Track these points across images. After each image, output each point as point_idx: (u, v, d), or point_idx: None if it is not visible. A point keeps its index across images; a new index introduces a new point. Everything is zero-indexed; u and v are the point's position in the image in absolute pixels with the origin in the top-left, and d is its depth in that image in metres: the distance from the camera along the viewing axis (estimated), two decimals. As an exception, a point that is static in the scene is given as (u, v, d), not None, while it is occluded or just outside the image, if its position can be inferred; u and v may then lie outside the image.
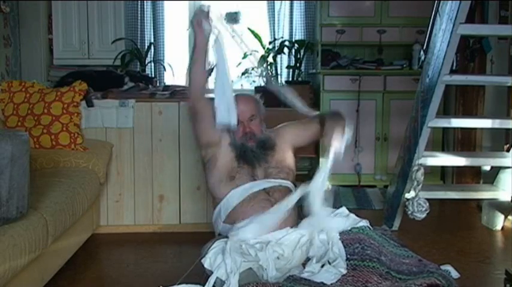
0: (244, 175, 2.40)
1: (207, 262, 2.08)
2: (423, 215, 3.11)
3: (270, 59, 5.10)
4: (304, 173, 4.58)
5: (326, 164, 2.28)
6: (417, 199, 3.11)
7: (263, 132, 2.49)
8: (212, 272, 2.02)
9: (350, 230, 2.23)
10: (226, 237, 2.23)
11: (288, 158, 2.55)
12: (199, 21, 2.26)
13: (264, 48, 5.09)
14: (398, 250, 2.11)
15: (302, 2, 5.17)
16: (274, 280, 1.90)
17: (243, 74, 5.37)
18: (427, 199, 3.12)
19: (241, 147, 2.42)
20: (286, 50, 5.07)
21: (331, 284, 1.83)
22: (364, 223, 2.26)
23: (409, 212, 3.13)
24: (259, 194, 2.36)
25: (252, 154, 2.40)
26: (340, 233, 2.20)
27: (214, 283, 1.96)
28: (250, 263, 1.94)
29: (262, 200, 2.34)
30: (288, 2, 5.20)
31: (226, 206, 2.39)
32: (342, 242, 2.15)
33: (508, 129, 3.82)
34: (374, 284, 1.83)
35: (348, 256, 2.05)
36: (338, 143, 2.30)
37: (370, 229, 2.24)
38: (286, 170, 2.49)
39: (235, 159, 2.43)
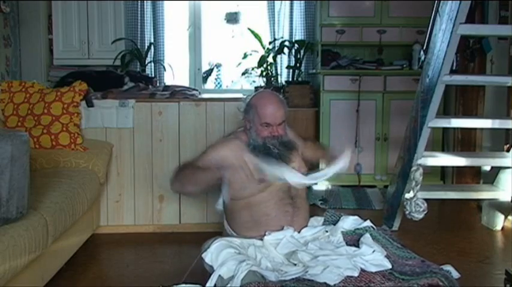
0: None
1: (208, 257, 2.07)
2: (421, 216, 3.10)
3: (270, 59, 5.10)
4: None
5: (331, 169, 2.42)
6: (415, 199, 3.10)
7: (286, 134, 2.47)
8: (212, 268, 2.01)
9: (353, 231, 2.23)
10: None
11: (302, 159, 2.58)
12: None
13: (264, 48, 5.09)
14: (401, 252, 2.11)
15: (302, 2, 5.16)
16: (275, 279, 1.90)
17: (243, 74, 5.38)
18: (428, 199, 3.12)
19: (263, 146, 2.37)
20: (286, 50, 5.08)
21: (334, 285, 1.83)
22: (367, 223, 2.27)
23: (407, 213, 3.13)
24: (283, 198, 2.36)
25: (276, 151, 2.36)
26: (344, 234, 2.21)
27: (216, 281, 1.95)
28: (251, 267, 1.93)
29: (286, 205, 2.34)
30: (288, 2, 5.20)
31: (256, 209, 2.35)
32: (346, 243, 2.15)
33: (508, 129, 3.81)
34: (377, 284, 1.83)
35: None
36: (345, 160, 2.46)
37: (373, 229, 2.24)
38: (304, 166, 2.51)
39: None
